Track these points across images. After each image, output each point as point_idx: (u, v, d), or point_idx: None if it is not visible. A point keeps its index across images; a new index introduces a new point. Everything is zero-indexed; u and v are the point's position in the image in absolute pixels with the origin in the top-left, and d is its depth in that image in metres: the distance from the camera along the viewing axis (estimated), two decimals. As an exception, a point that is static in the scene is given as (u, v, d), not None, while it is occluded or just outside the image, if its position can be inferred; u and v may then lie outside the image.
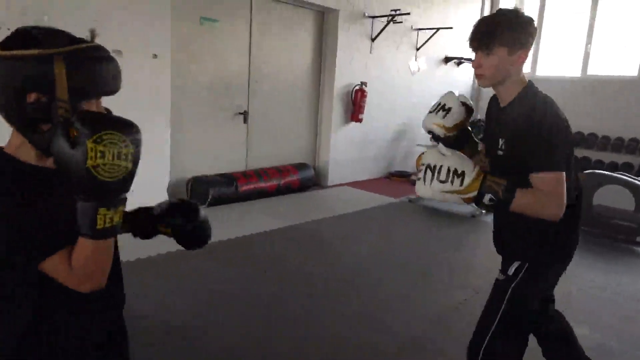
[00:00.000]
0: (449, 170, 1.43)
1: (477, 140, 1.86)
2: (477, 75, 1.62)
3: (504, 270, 1.72)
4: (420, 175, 1.48)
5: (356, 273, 3.50)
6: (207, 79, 5.09)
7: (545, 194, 1.46)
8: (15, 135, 0.97)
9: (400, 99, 7.07)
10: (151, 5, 4.24)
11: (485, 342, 1.68)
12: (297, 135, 6.27)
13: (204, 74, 5.05)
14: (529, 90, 1.60)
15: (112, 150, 0.88)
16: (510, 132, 1.59)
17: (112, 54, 1.02)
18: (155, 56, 4.33)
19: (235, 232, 4.18)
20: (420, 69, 7.20)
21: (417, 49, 7.10)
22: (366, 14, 6.29)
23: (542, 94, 1.61)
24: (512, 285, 1.67)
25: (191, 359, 2.37)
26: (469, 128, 1.85)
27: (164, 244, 1.78)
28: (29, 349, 0.99)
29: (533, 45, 1.63)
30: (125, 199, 0.95)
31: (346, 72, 6.28)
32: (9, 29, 1.31)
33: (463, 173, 1.42)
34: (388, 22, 6.34)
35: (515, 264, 1.68)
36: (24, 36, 0.91)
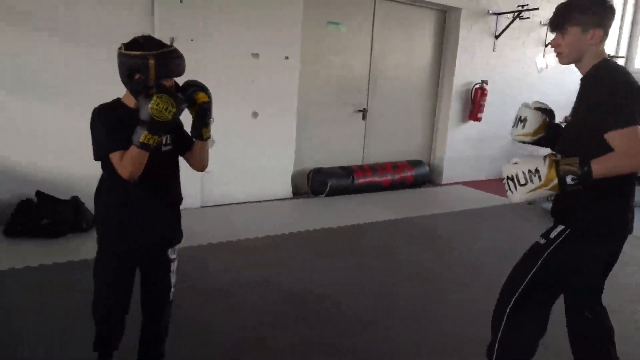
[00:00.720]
0: (524, 173, 1.56)
1: None
2: (557, 54, 1.76)
3: (546, 234, 1.76)
4: (506, 187, 1.63)
5: (474, 269, 3.53)
6: (330, 78, 5.48)
7: (619, 154, 1.51)
8: (127, 93, 1.72)
9: (524, 98, 6.78)
10: (285, 14, 4.72)
11: (512, 302, 1.75)
12: (413, 132, 6.41)
13: (328, 73, 5.44)
14: (604, 62, 1.69)
15: (163, 105, 1.58)
16: (586, 98, 1.69)
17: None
18: (286, 58, 4.81)
19: (350, 220, 4.50)
20: (549, 66, 6.86)
21: (546, 46, 6.78)
22: (490, 11, 6.20)
23: (616, 64, 1.70)
24: (549, 249, 1.71)
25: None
26: (557, 124, 1.97)
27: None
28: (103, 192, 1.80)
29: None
30: (161, 136, 1.64)
31: (466, 71, 6.25)
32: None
33: (537, 169, 1.55)
34: (514, 19, 6.18)
35: (559, 228, 1.72)
36: (135, 42, 1.66)
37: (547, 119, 1.93)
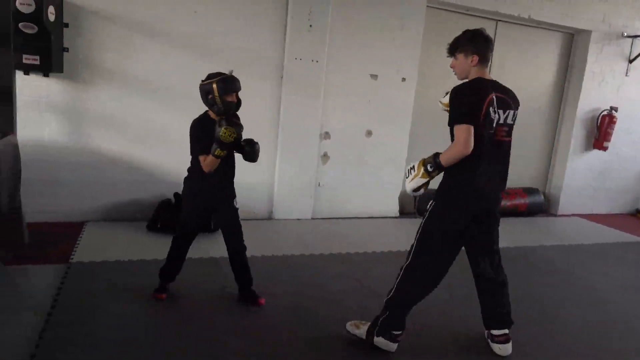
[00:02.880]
0: (407, 170, 2.40)
1: None
2: (455, 74, 2.46)
3: (426, 208, 2.43)
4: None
5: (599, 306, 3.33)
6: (446, 100, 5.45)
7: (453, 144, 2.23)
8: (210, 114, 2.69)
9: (660, 127, 6.21)
10: (406, 37, 4.83)
11: (410, 255, 2.44)
12: (529, 158, 6.12)
13: (442, 94, 5.42)
14: (475, 79, 2.34)
15: (228, 132, 2.49)
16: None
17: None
18: (403, 80, 4.91)
19: (459, 244, 4.43)
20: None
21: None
22: (625, 34, 5.78)
23: (475, 79, 2.34)
24: (424, 217, 2.41)
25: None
26: None
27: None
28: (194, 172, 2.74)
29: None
30: (225, 150, 2.56)
31: (593, 96, 5.87)
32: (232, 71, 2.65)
33: (414, 166, 2.37)
34: (653, 42, 5.70)
35: (430, 203, 2.41)
36: (209, 76, 2.62)
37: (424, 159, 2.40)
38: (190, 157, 2.75)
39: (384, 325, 2.44)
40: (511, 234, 4.92)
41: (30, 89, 3.70)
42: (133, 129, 4.11)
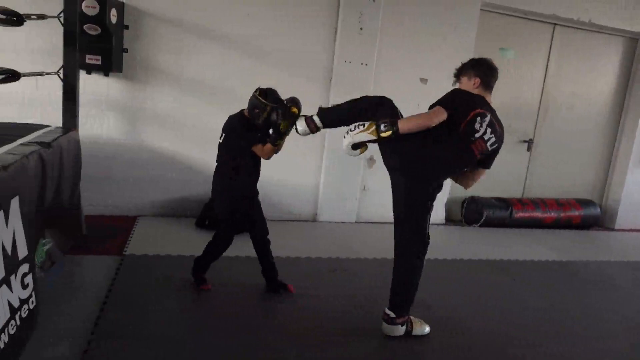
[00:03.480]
0: (355, 126, 2.39)
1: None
2: None
3: None
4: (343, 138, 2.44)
5: None
6: (497, 105, 5.29)
7: (418, 114, 2.43)
8: (246, 110, 2.87)
9: None
10: (457, 40, 4.74)
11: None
12: (585, 169, 5.85)
13: (495, 101, 5.25)
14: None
15: (286, 124, 2.65)
16: None
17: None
18: (454, 84, 4.80)
19: (507, 254, 4.29)
20: None
21: None
22: (695, 39, 5.44)
23: (471, 93, 2.57)
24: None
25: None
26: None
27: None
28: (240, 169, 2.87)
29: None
30: (282, 139, 2.75)
31: (658, 104, 5.55)
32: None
33: (363, 123, 2.38)
34: None
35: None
36: (263, 91, 2.76)
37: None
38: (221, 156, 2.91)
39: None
40: (566, 247, 4.72)
41: (91, 87, 3.88)
42: (186, 128, 4.23)
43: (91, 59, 3.65)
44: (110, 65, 3.73)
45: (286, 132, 2.71)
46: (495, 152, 2.62)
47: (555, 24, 5.25)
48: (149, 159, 4.17)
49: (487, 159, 2.61)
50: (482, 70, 2.57)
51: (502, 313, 3.13)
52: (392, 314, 2.63)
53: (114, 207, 4.13)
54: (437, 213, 5.12)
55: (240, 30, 4.19)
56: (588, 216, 5.53)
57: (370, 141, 2.39)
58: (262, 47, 4.25)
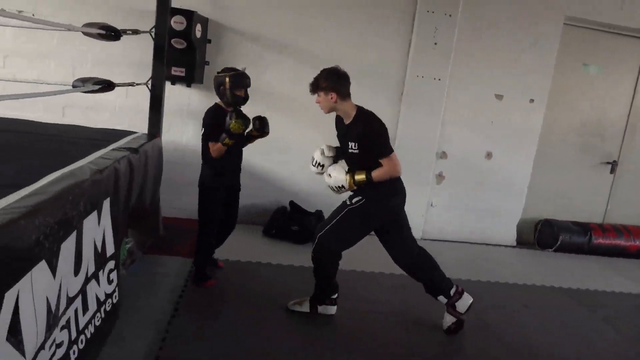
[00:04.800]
0: (337, 187, 2.76)
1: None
2: (321, 108, 2.75)
3: (350, 199, 2.78)
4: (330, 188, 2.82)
5: None
6: (578, 124, 5.04)
7: (386, 168, 2.65)
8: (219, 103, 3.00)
9: None
10: (537, 57, 4.56)
11: (324, 230, 2.78)
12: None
13: (576, 118, 5.02)
14: (361, 111, 2.73)
15: (237, 125, 2.79)
16: (356, 137, 2.66)
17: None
18: (532, 101, 4.63)
19: (584, 284, 4.03)
20: None
21: None
22: None
23: (368, 111, 2.74)
24: (349, 207, 2.75)
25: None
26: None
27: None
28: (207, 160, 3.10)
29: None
30: (234, 139, 2.88)
31: None
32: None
33: (343, 186, 2.73)
34: None
35: (357, 198, 2.74)
36: (224, 69, 2.94)
37: (350, 174, 2.73)
38: (201, 144, 3.06)
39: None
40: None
41: (174, 97, 4.13)
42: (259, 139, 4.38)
43: (176, 71, 3.89)
44: (192, 77, 3.95)
45: (234, 134, 2.81)
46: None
47: (646, 39, 4.92)
48: (222, 167, 4.36)
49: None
50: (336, 82, 2.65)
51: (578, 345, 2.95)
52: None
53: (189, 210, 4.33)
54: (508, 234, 4.92)
55: (314, 44, 4.29)
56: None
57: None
58: (334, 60, 4.25)
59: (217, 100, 3.01)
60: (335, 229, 2.75)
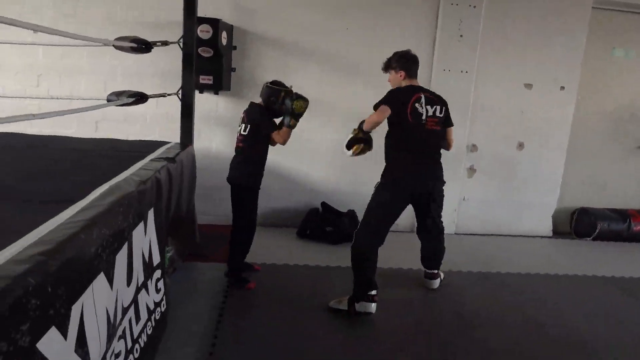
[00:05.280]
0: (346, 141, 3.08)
1: None
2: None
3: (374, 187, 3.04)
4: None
5: None
6: (610, 109, 4.92)
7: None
8: (261, 102, 3.10)
9: None
10: (565, 43, 4.47)
11: (359, 226, 3.00)
12: None
13: (607, 104, 4.90)
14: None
15: (300, 104, 2.97)
16: None
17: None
18: (562, 88, 4.53)
19: (628, 271, 3.93)
20: None
21: None
22: None
23: (401, 87, 3.03)
24: (371, 196, 2.99)
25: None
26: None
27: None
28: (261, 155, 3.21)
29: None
30: (296, 120, 3.02)
31: None
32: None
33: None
34: None
35: (376, 183, 3.02)
36: (275, 82, 3.10)
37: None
38: (245, 144, 3.13)
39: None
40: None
41: (202, 105, 4.18)
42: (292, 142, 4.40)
43: (204, 79, 3.93)
44: (220, 84, 3.99)
45: (301, 113, 2.96)
46: (447, 112, 3.07)
47: (679, 17, 4.77)
48: (253, 171, 4.39)
49: (446, 120, 3.07)
50: (403, 62, 3.02)
51: (625, 335, 2.87)
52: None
53: (223, 216, 4.38)
54: (543, 224, 4.83)
55: (338, 47, 4.29)
56: None
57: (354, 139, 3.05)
58: (358, 60, 4.31)
59: (258, 102, 3.16)
60: (365, 222, 2.93)
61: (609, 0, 4.51)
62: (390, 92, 2.96)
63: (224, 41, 3.92)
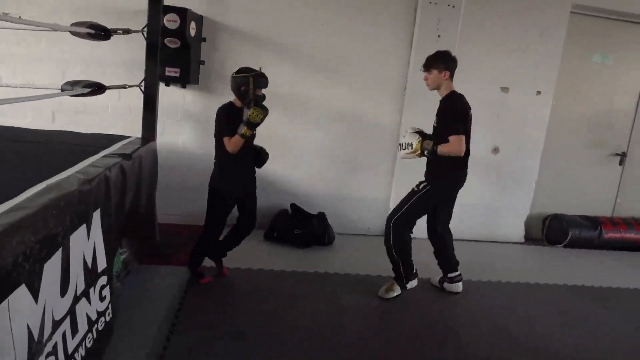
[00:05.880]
0: (405, 144, 3.09)
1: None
2: (426, 84, 3.11)
3: (418, 185, 3.13)
4: (399, 149, 3.18)
5: None
6: (586, 115, 4.89)
7: (451, 145, 2.93)
8: (236, 99, 2.87)
9: None
10: (543, 47, 4.41)
11: (397, 216, 3.13)
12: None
13: (584, 110, 4.87)
14: (453, 92, 3.06)
15: (256, 113, 2.77)
16: (439, 112, 3.08)
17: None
18: (538, 93, 4.48)
19: (598, 280, 3.90)
20: None
21: None
22: None
23: (459, 94, 3.08)
24: (419, 193, 3.10)
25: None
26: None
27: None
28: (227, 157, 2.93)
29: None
30: (253, 131, 2.85)
31: None
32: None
33: (411, 143, 3.06)
34: None
35: (424, 184, 3.11)
36: (240, 70, 2.87)
37: (422, 139, 3.05)
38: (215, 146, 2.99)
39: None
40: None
41: (168, 98, 3.98)
42: (258, 139, 4.22)
43: (170, 72, 3.74)
44: (187, 77, 3.80)
45: (256, 123, 2.79)
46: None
47: (654, 26, 4.77)
48: (221, 169, 4.22)
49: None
50: (447, 62, 3.01)
51: (598, 344, 2.81)
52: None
53: (188, 216, 4.21)
54: (516, 230, 4.79)
55: (313, 41, 4.14)
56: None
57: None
58: (333, 57, 4.18)
59: (219, 101, 2.98)
60: (406, 215, 3.12)
61: (588, 6, 4.47)
62: (462, 110, 2.99)
63: (193, 32, 3.73)
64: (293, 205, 4.16)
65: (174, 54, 3.67)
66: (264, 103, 2.86)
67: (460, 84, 4.37)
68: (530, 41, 4.39)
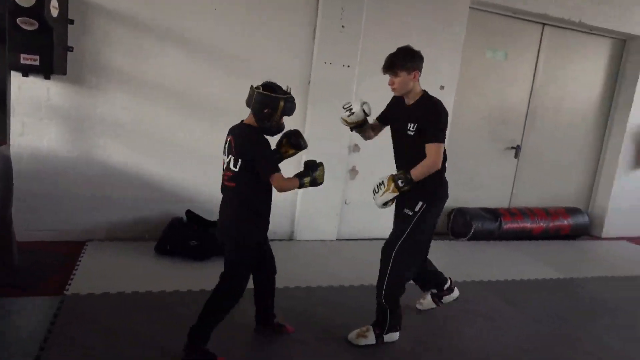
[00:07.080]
0: (377, 185, 2.59)
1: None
2: (392, 89, 2.63)
3: (410, 208, 2.58)
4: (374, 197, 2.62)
5: None
6: (482, 110, 4.99)
7: (428, 160, 2.47)
8: (251, 117, 2.24)
9: None
10: (445, 42, 4.38)
11: (397, 245, 2.61)
12: (572, 176, 5.62)
13: (480, 105, 4.97)
14: (427, 94, 2.59)
15: (322, 174, 2.39)
16: (417, 118, 2.52)
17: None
18: (442, 88, 4.44)
19: (503, 273, 3.96)
20: None
21: None
22: (684, 41, 5.25)
23: (434, 97, 2.57)
24: (416, 220, 2.57)
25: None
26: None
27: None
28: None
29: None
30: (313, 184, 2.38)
31: (646, 109, 5.35)
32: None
33: (382, 182, 2.56)
34: None
35: (418, 204, 2.55)
36: (269, 86, 2.22)
37: (390, 175, 2.57)
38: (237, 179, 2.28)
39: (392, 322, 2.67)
40: (557, 261, 4.42)
41: (28, 92, 3.32)
42: (143, 139, 3.69)
43: (27, 59, 3.08)
44: (50, 66, 3.16)
45: (318, 184, 2.39)
46: None
47: (544, 23, 4.97)
48: (99, 174, 3.62)
49: None
50: (416, 60, 2.57)
51: (507, 341, 2.77)
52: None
53: (58, 231, 3.56)
54: (423, 227, 4.75)
55: (207, 30, 3.69)
56: (577, 225, 5.30)
57: (394, 197, 2.55)
58: (227, 46, 3.76)
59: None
60: (409, 251, 2.63)
61: (486, 2, 4.51)
62: (443, 111, 2.51)
63: (54, 11, 3.09)
64: (189, 212, 3.71)
65: (30, 37, 3.01)
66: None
67: (366, 78, 4.18)
68: (434, 35, 4.33)
